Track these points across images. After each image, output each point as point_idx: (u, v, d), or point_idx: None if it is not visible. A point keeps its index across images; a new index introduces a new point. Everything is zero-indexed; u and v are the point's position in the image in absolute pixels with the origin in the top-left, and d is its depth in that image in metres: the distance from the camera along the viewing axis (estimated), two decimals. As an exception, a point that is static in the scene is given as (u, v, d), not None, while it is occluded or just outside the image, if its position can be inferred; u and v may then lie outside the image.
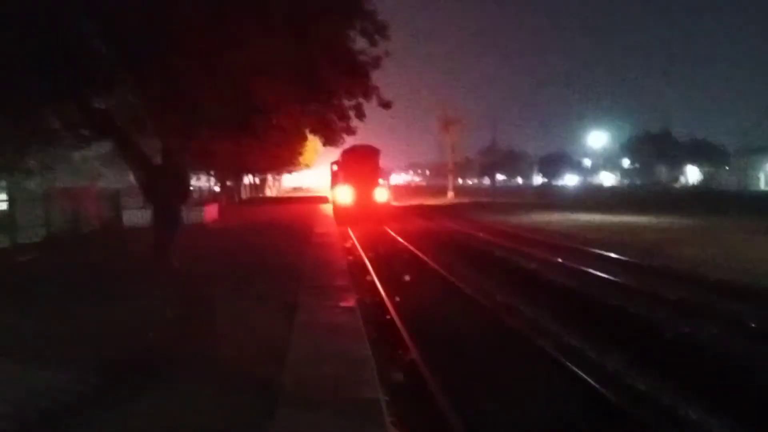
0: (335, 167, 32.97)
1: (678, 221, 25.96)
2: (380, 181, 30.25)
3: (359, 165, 28.08)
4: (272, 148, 28.35)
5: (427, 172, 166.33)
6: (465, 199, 56.17)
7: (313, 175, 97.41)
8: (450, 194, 63.11)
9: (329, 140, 19.19)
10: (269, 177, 76.24)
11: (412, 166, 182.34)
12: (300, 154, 43.54)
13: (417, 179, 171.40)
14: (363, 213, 27.03)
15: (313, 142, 38.75)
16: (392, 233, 22.33)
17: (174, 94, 10.90)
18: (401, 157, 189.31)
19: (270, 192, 79.52)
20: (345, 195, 28.23)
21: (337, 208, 28.68)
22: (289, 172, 76.02)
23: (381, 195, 28.61)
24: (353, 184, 28.03)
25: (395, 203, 39.52)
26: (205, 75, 10.87)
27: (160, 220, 8.03)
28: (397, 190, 64.24)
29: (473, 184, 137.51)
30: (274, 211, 33.20)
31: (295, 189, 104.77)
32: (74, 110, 11.38)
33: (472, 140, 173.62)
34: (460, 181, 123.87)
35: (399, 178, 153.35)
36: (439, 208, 41.16)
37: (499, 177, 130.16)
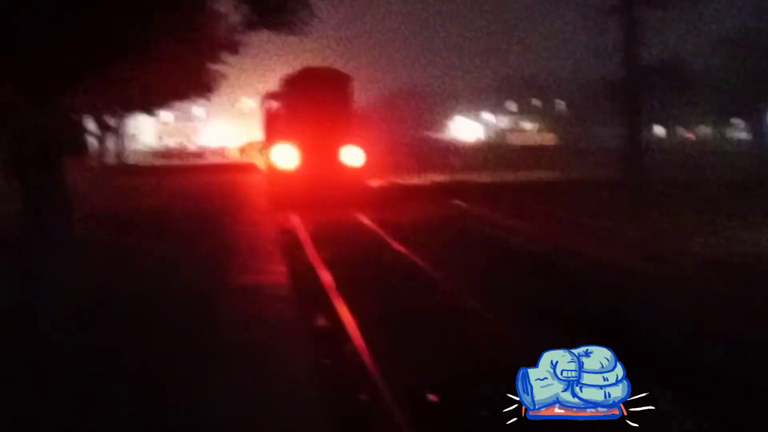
0: (271, 106, 21.43)
1: None
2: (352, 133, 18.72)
3: (315, 102, 18.08)
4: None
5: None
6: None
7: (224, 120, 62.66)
8: None
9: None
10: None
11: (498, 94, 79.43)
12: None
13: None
14: (321, 190, 16.94)
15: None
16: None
17: None
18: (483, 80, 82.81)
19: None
20: (287, 155, 17.94)
21: (274, 180, 18.29)
22: (157, 108, 36.22)
23: (353, 156, 17.95)
24: (304, 137, 17.71)
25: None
26: None
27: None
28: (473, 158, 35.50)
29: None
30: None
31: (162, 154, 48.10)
32: None
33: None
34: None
35: (469, 127, 78.61)
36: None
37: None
